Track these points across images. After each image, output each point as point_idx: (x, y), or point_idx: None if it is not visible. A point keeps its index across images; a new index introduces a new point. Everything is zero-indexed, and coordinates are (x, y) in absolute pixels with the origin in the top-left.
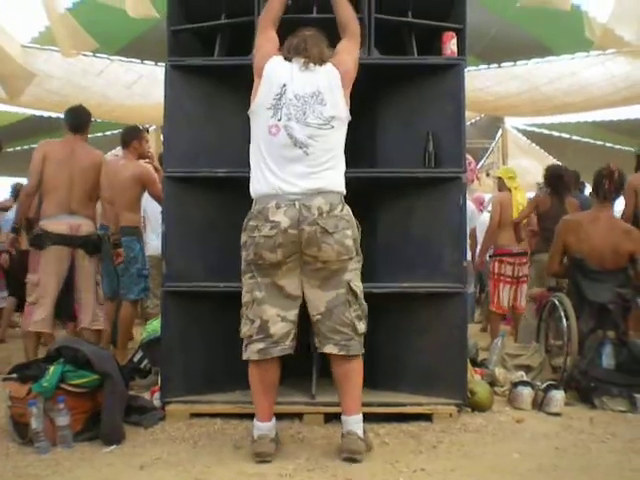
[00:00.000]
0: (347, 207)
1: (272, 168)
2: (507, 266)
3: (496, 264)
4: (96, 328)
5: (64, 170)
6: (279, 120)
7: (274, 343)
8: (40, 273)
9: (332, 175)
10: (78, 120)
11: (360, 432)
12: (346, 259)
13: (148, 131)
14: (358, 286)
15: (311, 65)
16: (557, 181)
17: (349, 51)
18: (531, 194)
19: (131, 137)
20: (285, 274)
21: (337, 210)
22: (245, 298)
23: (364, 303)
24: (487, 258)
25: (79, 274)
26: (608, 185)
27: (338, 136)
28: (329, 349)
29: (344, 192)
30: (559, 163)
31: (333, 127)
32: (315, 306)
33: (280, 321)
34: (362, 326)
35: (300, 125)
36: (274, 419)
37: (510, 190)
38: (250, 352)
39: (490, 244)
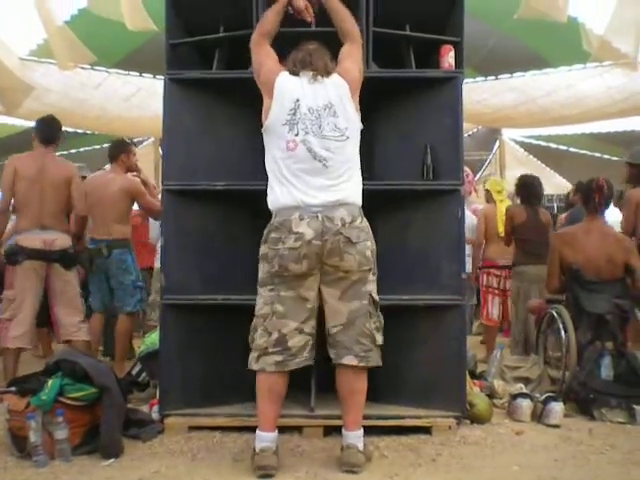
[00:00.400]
0: (365, 219)
1: (292, 182)
2: (493, 278)
3: (484, 276)
4: (77, 339)
5: (36, 185)
6: (296, 135)
7: (292, 356)
8: (16, 289)
9: (351, 187)
10: (50, 132)
11: (360, 445)
12: (366, 270)
13: (136, 145)
14: (377, 298)
15: (319, 77)
16: (528, 191)
17: (352, 56)
18: None
19: (119, 151)
20: (307, 285)
21: (357, 221)
22: (263, 310)
23: (381, 315)
24: (477, 271)
25: (55, 288)
26: (598, 199)
27: (353, 146)
28: (348, 360)
29: (361, 204)
30: (561, 178)
31: (348, 138)
32: (336, 317)
33: (298, 334)
34: (380, 338)
35: (317, 139)
36: (277, 431)
37: (495, 202)
38: (265, 364)
39: (478, 257)
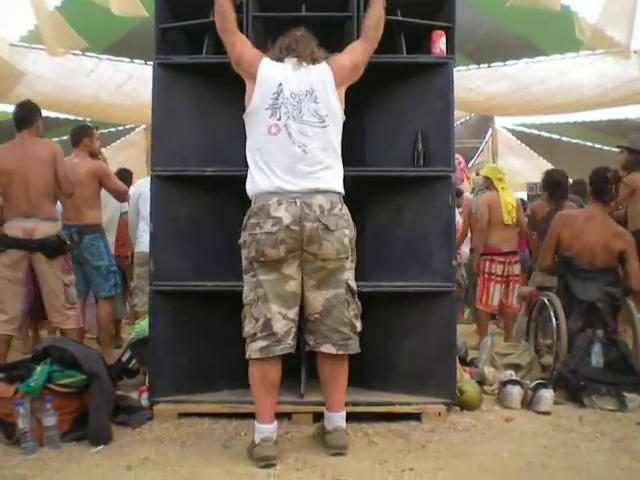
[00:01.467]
0: (345, 207)
1: (272, 167)
2: (498, 265)
3: (487, 263)
4: (66, 327)
5: (17, 174)
6: (279, 119)
7: (276, 341)
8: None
9: (330, 174)
10: (25, 114)
11: (344, 426)
12: (344, 257)
13: (97, 129)
14: (354, 285)
15: (304, 63)
16: (554, 186)
17: (352, 51)
18: (522, 194)
19: (81, 135)
20: (286, 271)
21: (337, 209)
22: (249, 297)
23: (359, 302)
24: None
25: (40, 278)
26: (614, 190)
27: (333, 135)
28: (327, 348)
29: (343, 192)
30: (552, 166)
31: (328, 125)
32: (313, 306)
33: (282, 319)
34: (359, 324)
35: (297, 123)
36: (276, 421)
37: (497, 190)
38: (252, 350)
39: (480, 244)
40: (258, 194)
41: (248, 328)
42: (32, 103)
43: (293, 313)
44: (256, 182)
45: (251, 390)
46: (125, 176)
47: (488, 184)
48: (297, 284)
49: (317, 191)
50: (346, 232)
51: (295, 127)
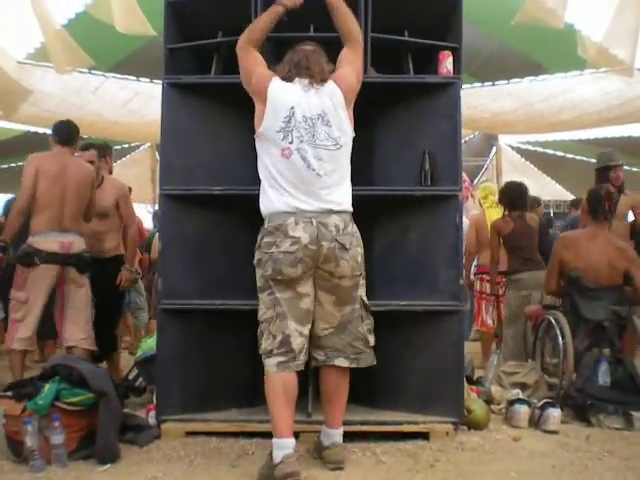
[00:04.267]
0: (355, 225)
1: (286, 188)
2: (486, 284)
3: (478, 282)
4: (88, 348)
5: (57, 185)
6: (290, 143)
7: (294, 358)
8: (28, 291)
9: (342, 194)
10: (69, 133)
11: (342, 442)
12: (358, 275)
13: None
14: (366, 300)
15: (315, 84)
16: (511, 197)
17: (351, 62)
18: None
19: (104, 153)
20: (301, 289)
21: (349, 228)
22: (266, 315)
23: (371, 316)
24: (472, 277)
25: (70, 292)
26: (608, 206)
27: (345, 155)
28: (340, 362)
29: (352, 210)
30: (558, 184)
31: (341, 147)
32: (328, 320)
33: (299, 336)
34: (372, 339)
35: (311, 147)
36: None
37: (483, 210)
38: (269, 366)
39: (469, 266)
40: (273, 213)
41: (265, 345)
42: (74, 123)
43: (307, 330)
44: (272, 201)
45: (269, 405)
46: None
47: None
48: (311, 301)
49: (332, 211)
50: (359, 250)
51: (310, 151)
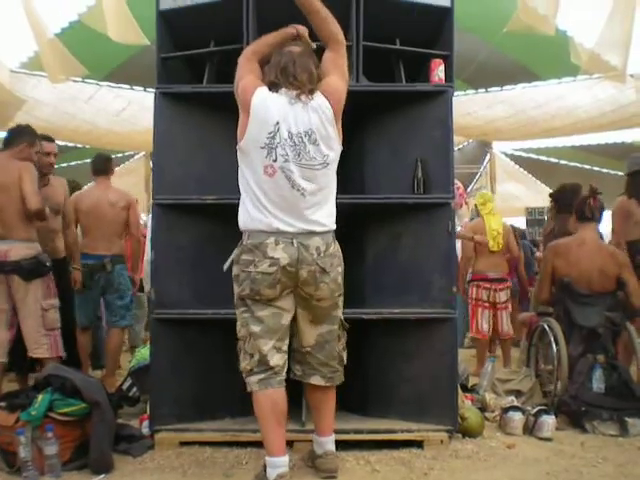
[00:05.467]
0: (337, 242)
1: (268, 208)
2: (483, 291)
3: (473, 289)
4: (39, 356)
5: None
6: (274, 161)
7: (275, 374)
8: None
9: (326, 213)
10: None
11: (334, 450)
12: (337, 296)
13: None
14: (343, 318)
15: (302, 97)
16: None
17: (338, 67)
18: (521, 219)
19: (110, 165)
20: (280, 304)
21: (331, 249)
22: (241, 332)
23: (345, 333)
24: (466, 285)
25: (18, 301)
26: (593, 202)
27: (332, 172)
28: (315, 380)
29: (335, 228)
30: (551, 190)
31: (328, 165)
32: (306, 339)
33: (276, 352)
34: (345, 355)
35: (297, 167)
36: (287, 453)
37: (482, 217)
38: (251, 383)
39: (465, 272)
40: (253, 230)
41: (244, 364)
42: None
43: (286, 345)
44: (253, 219)
45: (260, 425)
46: None
47: (478, 210)
48: (291, 316)
49: (314, 233)
50: (339, 270)
51: (295, 170)
